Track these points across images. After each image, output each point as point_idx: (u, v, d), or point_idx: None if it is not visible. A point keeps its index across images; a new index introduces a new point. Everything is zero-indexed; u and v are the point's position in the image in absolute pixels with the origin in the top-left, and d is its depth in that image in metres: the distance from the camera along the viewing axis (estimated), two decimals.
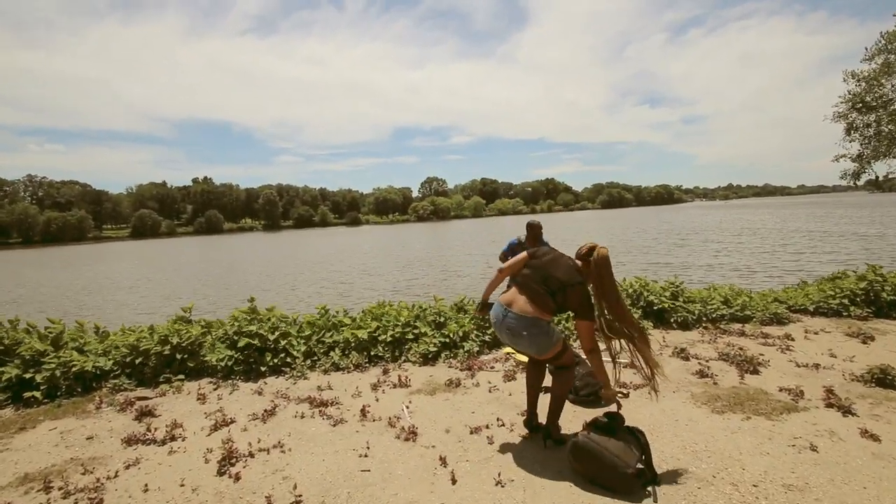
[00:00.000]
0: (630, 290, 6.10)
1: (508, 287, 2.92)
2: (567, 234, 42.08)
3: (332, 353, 4.61)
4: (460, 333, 4.91)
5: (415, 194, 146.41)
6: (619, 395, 3.58)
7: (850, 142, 21.36)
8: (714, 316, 5.90)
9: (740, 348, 4.87)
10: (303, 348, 4.61)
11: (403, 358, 4.71)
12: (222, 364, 4.29)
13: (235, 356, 4.35)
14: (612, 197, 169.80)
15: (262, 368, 4.36)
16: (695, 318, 5.83)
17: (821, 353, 4.70)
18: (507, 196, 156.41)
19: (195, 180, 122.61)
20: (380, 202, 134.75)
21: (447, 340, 4.83)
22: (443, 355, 4.74)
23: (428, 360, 4.68)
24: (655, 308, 5.87)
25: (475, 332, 5.04)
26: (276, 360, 4.40)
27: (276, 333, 4.56)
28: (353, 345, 4.67)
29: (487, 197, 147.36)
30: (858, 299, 6.09)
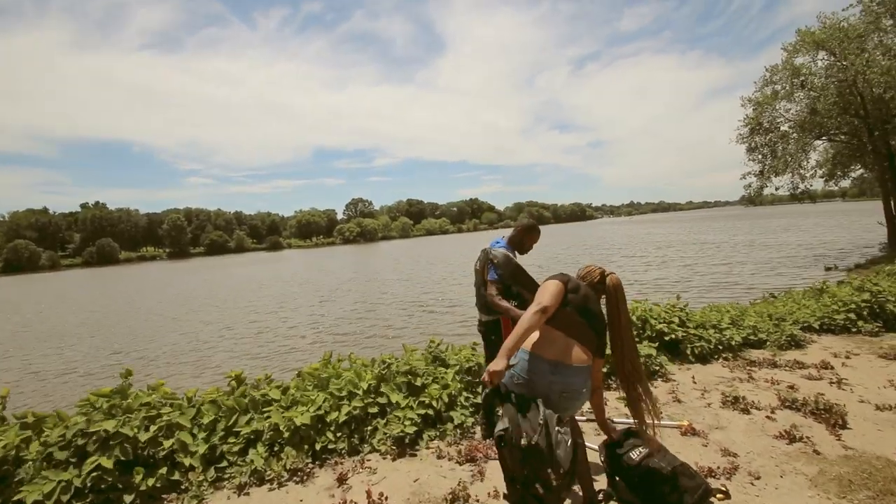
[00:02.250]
0: (633, 317, 5.01)
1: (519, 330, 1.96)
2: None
3: (251, 453, 2.91)
4: (445, 399, 3.42)
5: (340, 216, 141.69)
6: (720, 494, 2.30)
7: (751, 161, 23.47)
8: (731, 343, 4.96)
9: (790, 387, 3.90)
10: (202, 449, 2.85)
11: (368, 447, 3.12)
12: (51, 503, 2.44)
13: (78, 482, 2.52)
14: (533, 215, 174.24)
15: (129, 499, 2.55)
16: (711, 347, 4.84)
17: (882, 385, 3.83)
18: (433, 216, 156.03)
19: (84, 206, 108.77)
20: (303, 225, 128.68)
21: (429, 412, 3.32)
22: (426, 436, 3.21)
23: (405, 445, 3.13)
24: (667, 338, 4.80)
25: (464, 392, 3.58)
26: (153, 481, 2.62)
27: (155, 428, 2.78)
28: (286, 436, 3.00)
29: (414, 217, 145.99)
30: (864, 312, 5.48)
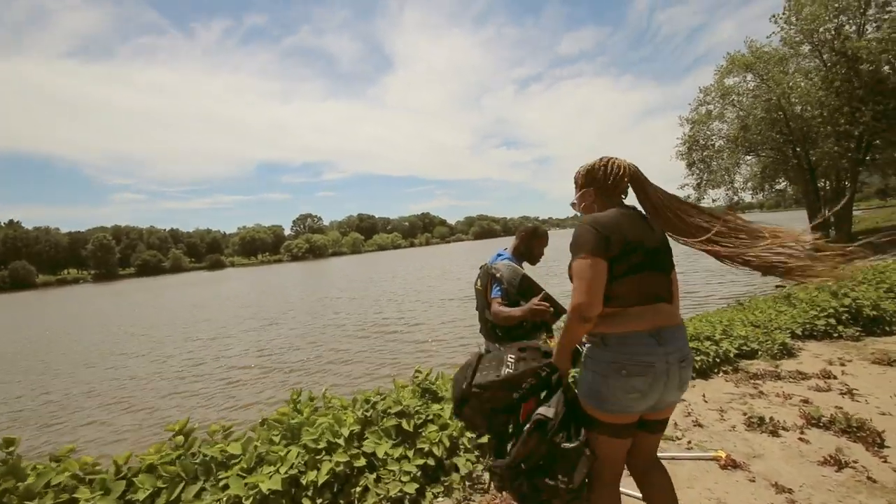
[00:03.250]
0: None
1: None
2: (457, 262, 41.61)
3: None
4: (446, 443, 2.84)
5: (287, 232, 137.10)
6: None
7: (691, 175, 24.85)
8: (729, 356, 4.72)
9: (804, 401, 3.66)
10: None
11: None
12: None
13: None
14: (483, 228, 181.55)
15: None
16: (710, 361, 4.58)
17: (893, 394, 3.66)
18: (385, 231, 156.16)
19: None
20: (247, 242, 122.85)
21: (428, 461, 2.72)
22: (429, 494, 2.60)
23: None
24: None
25: (466, 434, 3.01)
26: None
27: None
28: None
29: (365, 232, 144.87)
30: (844, 317, 5.46)
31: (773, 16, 17.84)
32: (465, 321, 12.42)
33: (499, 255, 2.61)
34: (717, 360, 4.64)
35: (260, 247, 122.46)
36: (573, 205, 1.84)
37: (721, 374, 4.51)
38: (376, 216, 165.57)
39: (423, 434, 2.86)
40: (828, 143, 17.09)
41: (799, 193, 25.08)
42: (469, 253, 63.64)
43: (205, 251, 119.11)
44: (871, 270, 7.26)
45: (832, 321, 5.44)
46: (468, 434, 3.01)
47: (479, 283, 2.56)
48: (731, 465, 2.79)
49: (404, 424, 2.85)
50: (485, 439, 3.05)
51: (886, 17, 14.51)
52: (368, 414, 2.92)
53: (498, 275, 2.38)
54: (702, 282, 14.77)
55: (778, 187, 27.14)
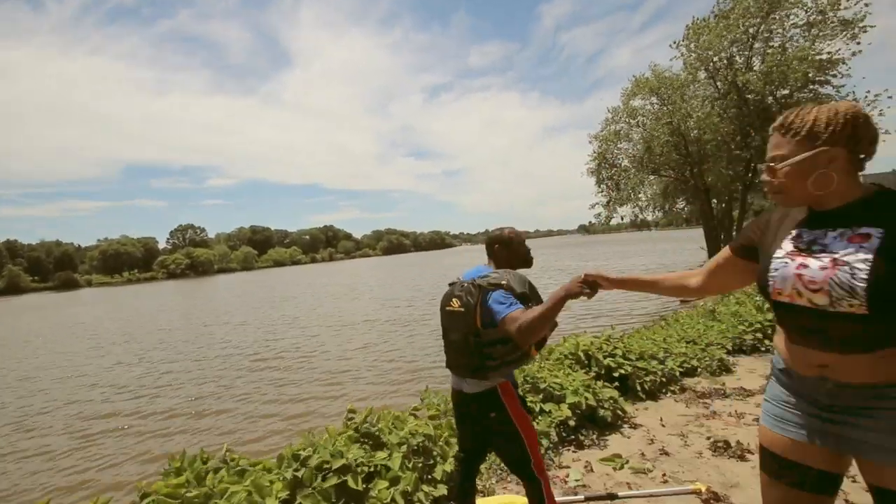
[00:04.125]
0: (577, 353, 4.60)
1: None
2: (366, 279, 40.43)
3: None
4: (400, 502, 2.41)
5: (162, 245, 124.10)
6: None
7: (600, 192, 26.87)
8: (674, 375, 4.84)
9: (756, 419, 3.77)
10: None
11: None
12: None
13: None
14: (392, 243, 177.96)
15: None
16: (657, 381, 4.65)
17: None
18: (282, 245, 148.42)
19: None
20: (109, 257, 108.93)
21: None
22: None
23: None
24: (615, 374, 4.46)
25: (423, 487, 2.60)
26: None
27: None
28: None
29: (259, 246, 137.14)
30: (769, 331, 5.93)
31: (674, 42, 19.96)
32: (380, 347, 11.82)
33: (477, 271, 2.17)
34: (664, 379, 4.73)
35: (127, 262, 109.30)
36: (771, 169, 1.28)
37: (669, 394, 4.60)
38: (272, 228, 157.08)
39: (373, 493, 2.41)
40: (720, 166, 19.42)
41: (697, 213, 28.33)
42: (378, 269, 62.44)
43: (52, 267, 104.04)
44: None
45: (759, 335, 5.88)
46: (425, 488, 2.61)
47: (456, 303, 2.03)
48: (713, 498, 2.71)
49: (350, 482, 2.37)
50: (443, 490, 2.68)
51: (769, 50, 16.89)
52: (299, 474, 2.40)
53: (504, 282, 1.95)
54: (619, 299, 15.68)
55: (678, 207, 30.50)
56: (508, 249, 2.22)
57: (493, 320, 1.88)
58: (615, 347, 4.86)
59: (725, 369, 5.17)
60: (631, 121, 24.08)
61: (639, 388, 4.50)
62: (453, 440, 3.12)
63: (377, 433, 2.95)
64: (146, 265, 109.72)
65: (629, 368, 4.55)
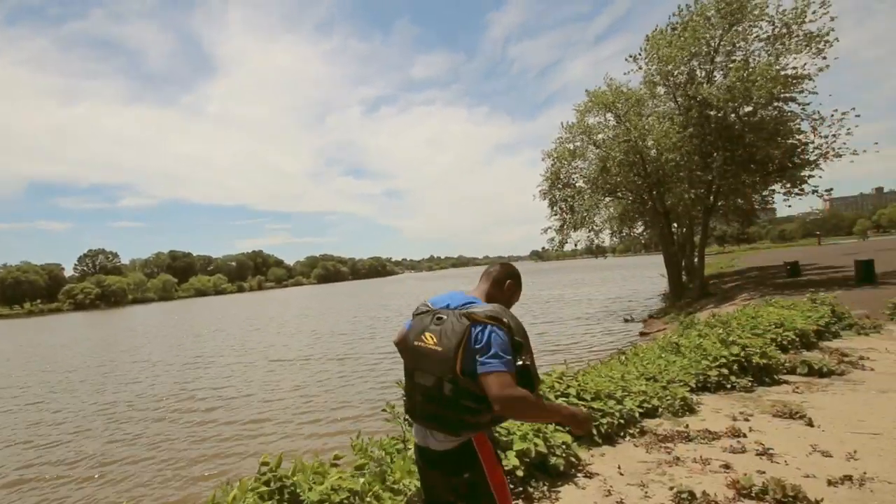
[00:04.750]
0: None
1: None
2: (298, 310, 39.32)
3: None
4: None
5: (69, 273, 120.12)
6: None
7: (553, 216, 27.43)
8: (634, 416, 4.81)
9: (724, 466, 3.81)
10: None
11: None
12: None
13: None
14: (328, 270, 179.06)
15: None
16: (615, 423, 4.59)
17: (807, 453, 3.96)
18: (205, 272, 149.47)
19: None
20: (8, 286, 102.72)
21: None
22: None
23: None
24: None
25: None
26: None
27: None
28: None
29: (180, 274, 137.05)
30: (735, 367, 6.08)
31: (631, 55, 20.94)
32: (311, 389, 11.58)
33: (458, 295, 1.94)
34: (623, 421, 4.68)
35: (28, 292, 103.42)
36: None
37: (628, 437, 4.56)
38: (194, 254, 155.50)
39: None
40: (681, 188, 20.35)
41: (656, 237, 29.56)
42: (312, 299, 62.43)
43: None
44: (743, 315, 8.47)
45: (724, 371, 6.00)
46: None
47: (430, 339, 1.79)
48: None
49: None
50: None
51: (732, 65, 17.79)
52: None
53: (505, 320, 1.72)
54: (581, 329, 16.03)
55: (636, 231, 31.70)
56: (516, 290, 2.07)
57: (474, 368, 1.65)
58: (568, 386, 4.79)
59: (689, 409, 5.20)
60: (586, 138, 24.73)
61: (595, 431, 4.42)
62: (386, 495, 2.96)
63: (293, 488, 2.66)
64: (51, 295, 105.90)
65: (584, 410, 4.46)
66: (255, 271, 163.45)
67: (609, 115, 23.76)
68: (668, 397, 5.27)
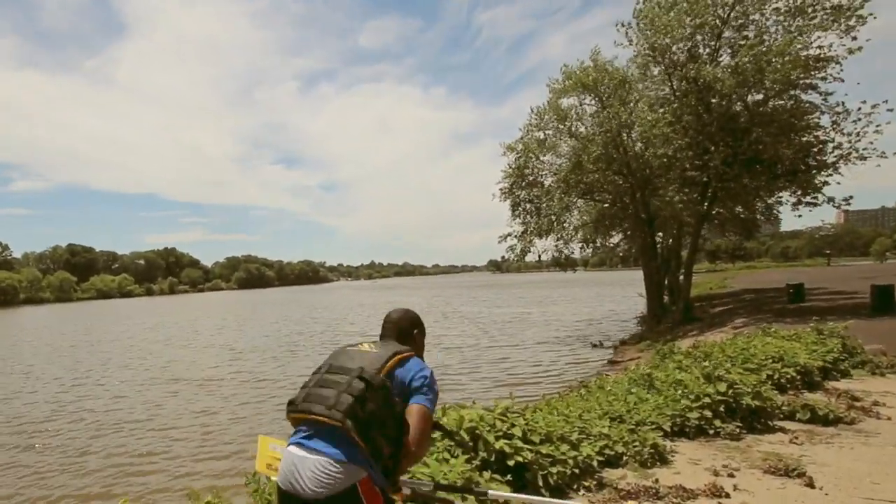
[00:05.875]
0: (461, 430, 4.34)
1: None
2: (215, 319, 38.62)
3: None
4: None
5: None
6: None
7: (515, 219, 27.07)
8: (591, 464, 4.72)
9: None
10: None
11: None
12: None
13: None
14: (252, 274, 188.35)
15: None
16: (568, 473, 4.49)
17: None
18: (109, 271, 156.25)
19: None
20: None
21: None
22: None
23: None
24: (510, 463, 4.23)
25: None
26: None
27: None
28: None
29: (80, 272, 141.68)
30: (721, 408, 6.08)
31: (621, 24, 20.45)
32: (217, 414, 11.86)
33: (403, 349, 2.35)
34: (577, 470, 4.59)
35: None
36: None
37: (582, 491, 4.49)
38: (97, 249, 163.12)
39: None
40: (669, 190, 20.61)
41: (635, 249, 30.02)
42: (232, 307, 65.03)
43: None
44: (732, 345, 8.58)
45: (707, 413, 5.98)
46: None
47: (366, 346, 2.33)
48: None
49: None
50: None
51: (743, 42, 17.74)
52: None
53: (427, 378, 2.23)
54: (547, 357, 16.20)
55: (613, 241, 32.03)
56: (422, 337, 2.57)
57: (400, 389, 2.14)
58: (513, 425, 4.64)
59: (660, 458, 5.14)
60: (560, 126, 24.61)
61: (541, 482, 4.31)
62: None
63: None
64: None
65: (529, 455, 4.36)
66: (166, 272, 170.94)
67: (589, 99, 23.67)
68: (636, 443, 5.22)
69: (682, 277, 23.81)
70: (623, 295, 43.64)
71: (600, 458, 4.89)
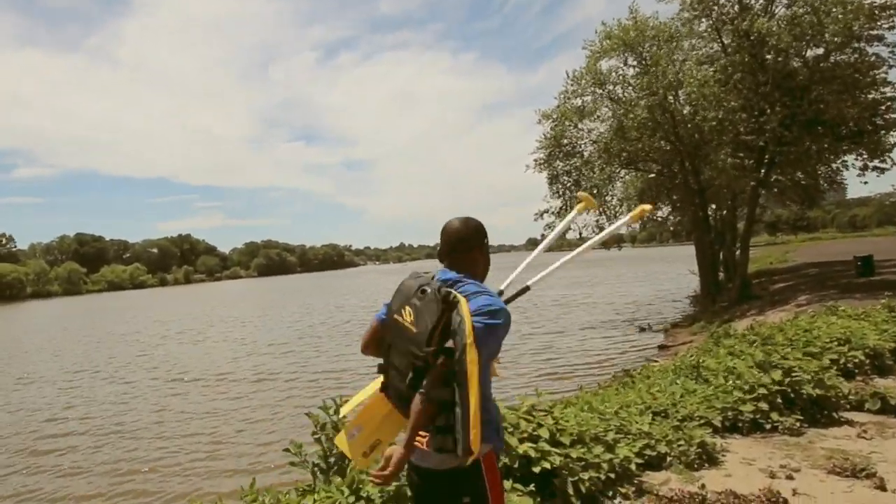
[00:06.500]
0: None
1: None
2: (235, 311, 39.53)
3: None
4: None
5: None
6: None
7: (553, 195, 26.71)
8: (629, 468, 4.53)
9: None
10: None
11: None
12: None
13: None
14: (272, 260, 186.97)
15: None
16: (603, 478, 4.31)
17: None
18: (120, 261, 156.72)
19: None
20: None
21: None
22: None
23: None
24: (537, 469, 4.05)
25: None
26: None
27: None
28: None
29: (89, 262, 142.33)
30: (778, 400, 5.80)
31: None
32: (230, 414, 12.06)
33: (442, 274, 2.24)
34: (613, 475, 4.39)
35: None
36: None
37: (619, 499, 4.31)
38: (107, 238, 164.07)
39: None
40: (722, 157, 20.02)
41: (686, 222, 29.43)
42: (251, 296, 66.38)
43: None
44: (793, 327, 8.24)
45: (763, 406, 5.70)
46: None
47: (406, 317, 2.07)
48: None
49: None
50: None
51: None
52: None
53: (500, 319, 2.03)
54: (596, 345, 16.00)
55: (661, 215, 31.43)
56: (485, 251, 2.37)
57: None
58: (540, 425, 4.43)
59: (709, 459, 4.94)
60: (599, 91, 24.08)
61: (572, 489, 4.09)
62: None
63: None
64: None
65: (558, 459, 4.14)
66: (181, 260, 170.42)
67: (631, 59, 23.16)
68: (682, 441, 5.03)
69: (738, 252, 23.15)
70: (676, 272, 43.03)
71: (640, 461, 4.69)
